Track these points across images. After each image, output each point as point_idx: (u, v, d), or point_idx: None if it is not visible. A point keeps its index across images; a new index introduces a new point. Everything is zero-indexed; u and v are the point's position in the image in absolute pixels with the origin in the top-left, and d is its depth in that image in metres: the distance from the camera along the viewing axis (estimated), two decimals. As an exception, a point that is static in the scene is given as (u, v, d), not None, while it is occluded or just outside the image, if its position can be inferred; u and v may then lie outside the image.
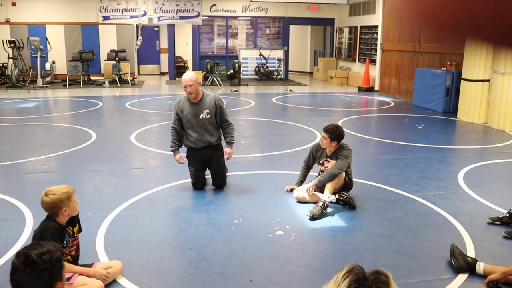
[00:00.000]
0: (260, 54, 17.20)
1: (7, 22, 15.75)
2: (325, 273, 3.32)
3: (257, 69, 17.32)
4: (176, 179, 5.35)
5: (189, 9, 16.42)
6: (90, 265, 3.17)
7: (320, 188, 4.62)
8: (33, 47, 14.57)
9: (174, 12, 16.35)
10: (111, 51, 15.91)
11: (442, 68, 10.74)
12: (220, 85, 15.50)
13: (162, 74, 19.46)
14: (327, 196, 4.42)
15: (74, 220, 3.13)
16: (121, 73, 15.32)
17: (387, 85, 13.80)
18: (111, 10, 16.01)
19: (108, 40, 16.56)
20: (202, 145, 4.96)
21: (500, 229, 4.03)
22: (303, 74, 20.08)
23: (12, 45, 14.51)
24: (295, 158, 6.23)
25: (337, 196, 4.61)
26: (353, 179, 4.86)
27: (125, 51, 15.86)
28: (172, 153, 5.11)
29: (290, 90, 14.42)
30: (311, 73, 19.63)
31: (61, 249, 1.97)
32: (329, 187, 4.46)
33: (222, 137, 5.12)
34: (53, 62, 15.53)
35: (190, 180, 5.11)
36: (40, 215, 3.10)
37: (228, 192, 5.00)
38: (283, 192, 4.95)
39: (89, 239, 3.72)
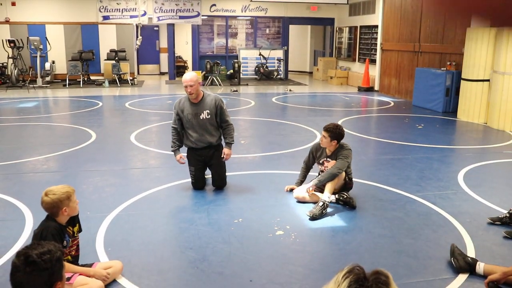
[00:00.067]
0: (260, 54, 17.20)
1: (7, 21, 15.75)
2: (325, 273, 3.32)
3: (257, 69, 17.32)
4: (176, 179, 5.35)
5: (189, 9, 16.42)
6: (90, 265, 3.17)
7: (320, 188, 4.62)
8: (33, 47, 14.57)
9: (173, 12, 16.35)
10: (111, 51, 15.91)
11: (442, 68, 10.74)
12: (219, 85, 15.50)
13: (162, 74, 19.46)
14: (327, 196, 4.42)
15: (74, 220, 3.13)
16: (121, 73, 15.32)
17: (387, 85, 13.80)
18: (110, 10, 16.01)
19: (107, 40, 16.56)
20: (202, 145, 4.96)
21: (500, 229, 4.03)
22: (303, 74, 20.08)
23: (12, 44, 14.51)
24: (295, 158, 6.23)
25: (337, 196, 4.61)
26: (353, 179, 4.86)
27: (124, 51, 15.86)
28: (172, 153, 5.11)
29: (290, 90, 14.42)
30: (311, 73, 19.63)
31: (61, 249, 1.96)
32: (329, 187, 4.46)
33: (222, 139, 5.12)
34: (53, 62, 15.53)
35: (190, 180, 5.11)
36: (40, 215, 3.10)
37: (228, 192, 5.00)
38: (283, 192, 4.95)
39: (89, 239, 3.72)
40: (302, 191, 4.70)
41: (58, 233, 2.92)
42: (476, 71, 9.09)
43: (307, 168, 5.01)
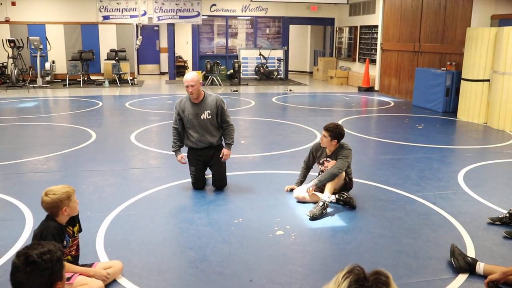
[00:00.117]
0: (260, 54, 17.20)
1: (7, 21, 15.75)
2: (325, 273, 3.33)
3: (257, 69, 17.32)
4: (176, 179, 5.35)
5: (189, 9, 16.43)
6: (90, 265, 3.17)
7: (320, 188, 4.62)
8: (33, 47, 14.57)
9: (174, 11, 16.35)
10: (111, 50, 15.91)
11: (442, 68, 10.74)
12: (220, 84, 15.50)
13: (162, 73, 19.46)
14: (327, 196, 4.42)
15: (74, 220, 3.12)
16: (121, 72, 15.32)
17: (387, 85, 13.80)
18: (111, 10, 16.01)
19: (108, 40, 16.56)
20: (202, 145, 4.96)
21: (500, 229, 4.03)
22: (303, 74, 20.08)
23: (12, 44, 14.51)
24: (295, 158, 6.23)
25: (337, 196, 4.61)
26: (353, 179, 4.86)
27: (125, 51, 15.87)
28: (173, 153, 5.11)
29: (290, 90, 14.42)
30: (311, 73, 19.63)
31: (61, 249, 1.96)
32: (329, 187, 4.46)
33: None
34: (53, 62, 15.53)
35: (190, 180, 5.11)
36: (40, 215, 3.10)
37: (228, 192, 5.00)
38: (283, 192, 4.95)
39: (89, 239, 3.72)
40: (302, 191, 4.70)
41: (58, 233, 2.92)
42: (476, 71, 9.09)
43: (307, 168, 5.01)
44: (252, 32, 18.30)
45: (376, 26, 14.23)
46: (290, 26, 18.23)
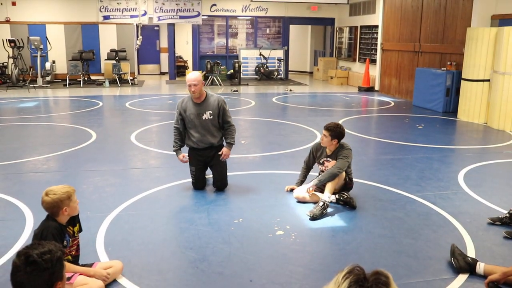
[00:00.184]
0: (260, 54, 17.20)
1: (7, 21, 15.75)
2: (325, 273, 3.33)
3: (257, 69, 17.32)
4: (176, 179, 5.35)
5: (189, 9, 16.43)
6: (90, 265, 3.17)
7: (320, 188, 4.62)
8: (33, 47, 14.57)
9: (174, 11, 16.35)
10: (111, 50, 15.91)
11: (442, 68, 10.74)
12: (220, 84, 15.50)
13: (162, 73, 19.46)
14: (327, 196, 4.42)
15: (74, 220, 3.13)
16: (121, 72, 15.32)
17: (387, 85, 13.80)
18: (111, 10, 16.01)
19: (108, 40, 16.56)
20: (203, 145, 4.96)
21: (500, 229, 4.03)
22: (303, 74, 20.08)
23: (12, 44, 14.51)
24: (295, 158, 6.23)
25: (337, 196, 4.61)
26: (353, 179, 4.86)
27: (125, 51, 15.87)
28: (174, 153, 5.10)
29: (290, 90, 14.42)
30: (311, 73, 19.63)
31: (61, 248, 1.96)
32: (329, 187, 4.46)
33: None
34: (53, 62, 15.53)
35: (190, 180, 5.11)
36: (40, 214, 3.10)
37: (228, 192, 5.00)
38: (283, 192, 4.95)
39: (89, 239, 3.72)
40: (302, 191, 4.70)
41: (59, 233, 2.92)
42: (477, 71, 9.09)
43: (308, 168, 5.01)
44: (252, 32, 18.31)
45: (376, 26, 14.23)
46: (290, 26, 18.24)
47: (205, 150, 4.98)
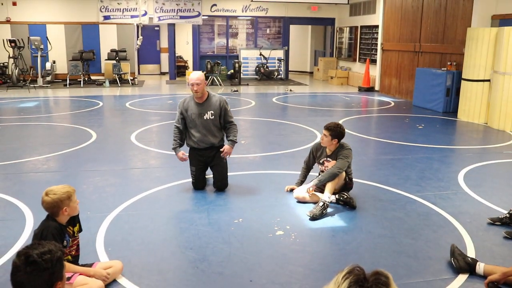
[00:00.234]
0: (261, 54, 17.20)
1: (7, 21, 15.76)
2: (325, 273, 3.33)
3: (257, 69, 17.32)
4: (176, 179, 5.36)
5: (190, 9, 16.43)
6: (90, 265, 3.17)
7: (320, 188, 4.62)
8: (33, 47, 14.58)
9: (174, 11, 16.36)
10: (112, 50, 15.92)
11: (442, 68, 10.74)
12: (220, 85, 15.50)
13: (163, 73, 19.47)
14: (327, 196, 4.42)
15: (74, 220, 3.13)
16: (121, 72, 15.33)
17: (388, 85, 13.80)
18: (111, 10, 16.02)
19: (108, 40, 16.56)
20: (204, 145, 4.96)
21: (500, 229, 4.03)
22: (303, 74, 20.08)
23: (13, 44, 14.52)
24: (295, 158, 6.23)
25: (337, 196, 4.61)
26: (353, 179, 4.86)
27: (125, 51, 15.87)
28: (173, 152, 5.10)
29: (290, 90, 14.42)
30: (311, 73, 19.63)
31: (61, 249, 1.96)
32: (329, 187, 4.46)
33: (225, 138, 5.11)
34: (54, 62, 15.54)
35: (190, 180, 5.11)
36: (40, 214, 3.10)
37: (228, 192, 5.00)
38: (283, 192, 4.95)
39: (89, 239, 3.72)
40: (302, 191, 4.70)
41: (59, 233, 2.92)
42: (477, 71, 9.09)
43: (308, 168, 5.01)
44: (252, 32, 18.31)
45: (377, 26, 14.23)
46: (291, 26, 18.24)
47: (206, 150, 4.98)
